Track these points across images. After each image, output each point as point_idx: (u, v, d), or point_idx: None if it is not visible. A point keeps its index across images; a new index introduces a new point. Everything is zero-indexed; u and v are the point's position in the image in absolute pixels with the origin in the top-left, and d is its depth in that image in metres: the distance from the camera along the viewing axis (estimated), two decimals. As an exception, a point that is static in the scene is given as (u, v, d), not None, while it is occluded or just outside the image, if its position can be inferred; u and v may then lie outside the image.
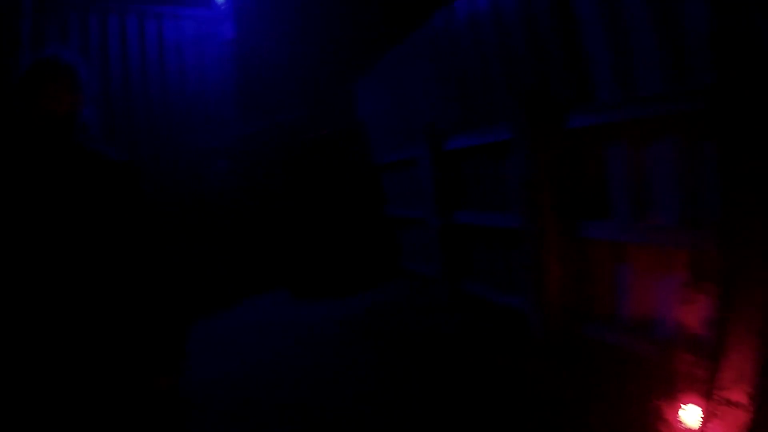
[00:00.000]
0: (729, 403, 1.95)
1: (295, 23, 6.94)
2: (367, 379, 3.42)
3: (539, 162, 3.27)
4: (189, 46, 5.89)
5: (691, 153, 2.43)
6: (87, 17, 4.90)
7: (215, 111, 6.13)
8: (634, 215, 2.83)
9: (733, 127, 2.02)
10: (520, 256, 3.84)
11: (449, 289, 4.64)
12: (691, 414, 2.10)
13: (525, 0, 3.46)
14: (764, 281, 1.92)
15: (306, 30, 6.88)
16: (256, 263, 6.30)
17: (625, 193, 2.89)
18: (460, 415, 2.81)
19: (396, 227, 6.10)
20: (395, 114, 5.75)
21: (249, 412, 3.14)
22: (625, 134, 2.83)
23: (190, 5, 6.07)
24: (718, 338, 2.02)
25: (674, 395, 2.22)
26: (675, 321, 2.57)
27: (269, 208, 6.34)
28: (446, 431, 2.69)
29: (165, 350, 1.72)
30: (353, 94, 7.06)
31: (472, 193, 4.34)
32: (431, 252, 4.93)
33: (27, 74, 1.63)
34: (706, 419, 2.02)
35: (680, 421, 2.14)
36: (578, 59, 3.13)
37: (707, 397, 2.02)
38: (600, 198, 3.09)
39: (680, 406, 2.15)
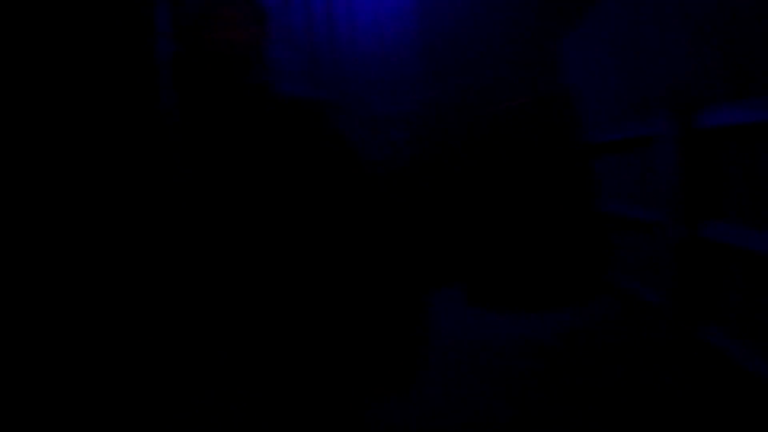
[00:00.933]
0: None
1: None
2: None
3: None
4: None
5: None
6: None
7: (391, 71, 5.30)
8: None
9: None
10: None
11: (679, 330, 3.22)
12: None
13: None
14: None
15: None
16: (428, 252, 5.46)
17: None
18: None
19: (608, 228, 4.69)
20: (616, 77, 4.30)
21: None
22: None
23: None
24: None
25: None
26: None
27: (449, 188, 5.40)
28: None
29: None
30: (557, 53, 5.67)
31: (741, 196, 2.83)
32: (659, 271, 3.51)
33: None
34: None
35: None
36: None
37: None
38: None
39: None
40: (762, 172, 2.67)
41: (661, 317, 3.41)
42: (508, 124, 4.91)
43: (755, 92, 2.66)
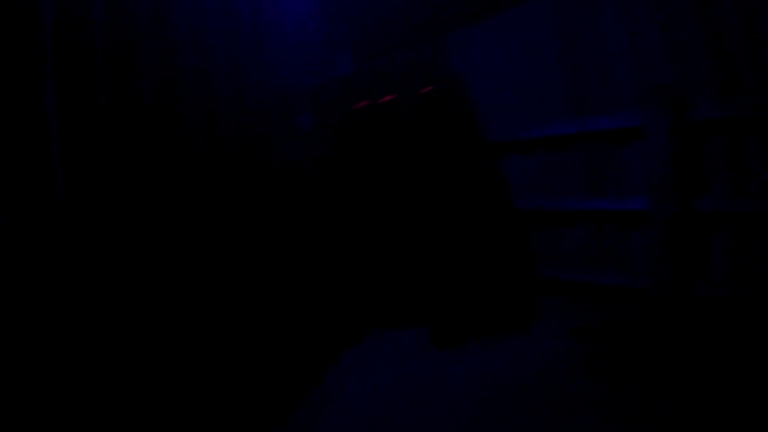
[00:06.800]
0: None
1: None
2: None
3: None
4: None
5: None
6: None
7: (296, 38, 4.19)
8: None
9: None
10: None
11: (675, 288, 3.67)
12: None
13: None
14: None
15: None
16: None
17: None
18: None
19: (535, 226, 4.79)
20: (542, 80, 4.56)
21: None
22: None
23: None
24: None
25: None
26: None
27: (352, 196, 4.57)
28: None
29: None
30: (448, 45, 5.09)
31: (725, 175, 3.49)
32: (646, 249, 3.90)
33: None
34: None
35: None
36: None
37: None
38: None
39: None
40: (744, 155, 3.37)
41: (654, 284, 3.78)
42: (402, 117, 4.44)
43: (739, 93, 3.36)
